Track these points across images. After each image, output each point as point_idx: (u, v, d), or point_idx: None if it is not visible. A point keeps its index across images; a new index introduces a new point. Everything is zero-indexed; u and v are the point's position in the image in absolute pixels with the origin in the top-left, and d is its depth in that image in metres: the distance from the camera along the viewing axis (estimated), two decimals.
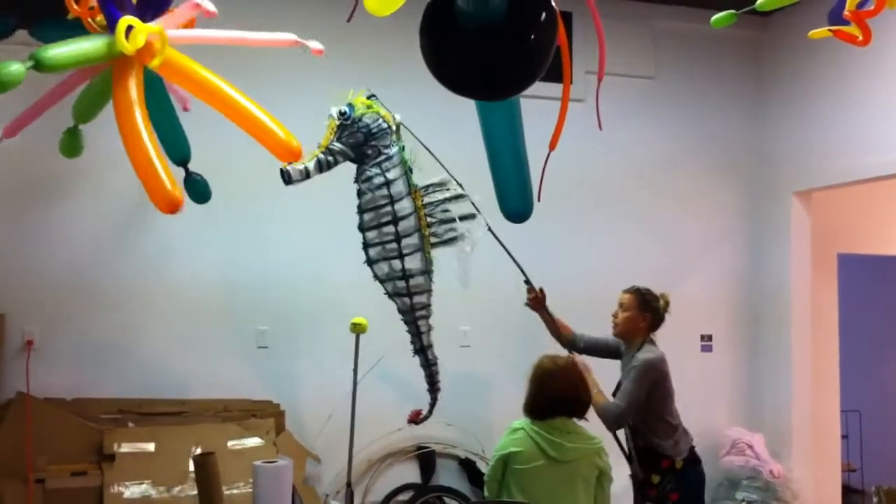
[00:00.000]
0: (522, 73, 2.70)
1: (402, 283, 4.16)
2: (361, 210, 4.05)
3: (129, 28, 3.35)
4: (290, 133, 3.46)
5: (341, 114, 3.87)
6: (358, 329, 4.24)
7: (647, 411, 4.05)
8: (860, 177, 5.43)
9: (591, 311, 5.56)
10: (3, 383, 4.74)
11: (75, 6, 3.61)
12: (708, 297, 6.04)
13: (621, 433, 4.23)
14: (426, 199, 4.17)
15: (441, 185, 4.19)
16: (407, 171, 4.10)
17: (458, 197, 4.20)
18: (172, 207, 3.34)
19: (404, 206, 4.06)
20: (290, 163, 3.54)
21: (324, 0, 5.08)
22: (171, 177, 3.31)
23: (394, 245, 4.07)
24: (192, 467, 4.39)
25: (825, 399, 6.14)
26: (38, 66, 3.43)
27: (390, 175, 4.01)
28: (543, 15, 2.64)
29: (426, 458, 5.38)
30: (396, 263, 4.11)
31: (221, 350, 5.14)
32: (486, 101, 3.40)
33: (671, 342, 4.37)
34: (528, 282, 4.44)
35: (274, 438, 4.88)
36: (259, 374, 5.17)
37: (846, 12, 2.74)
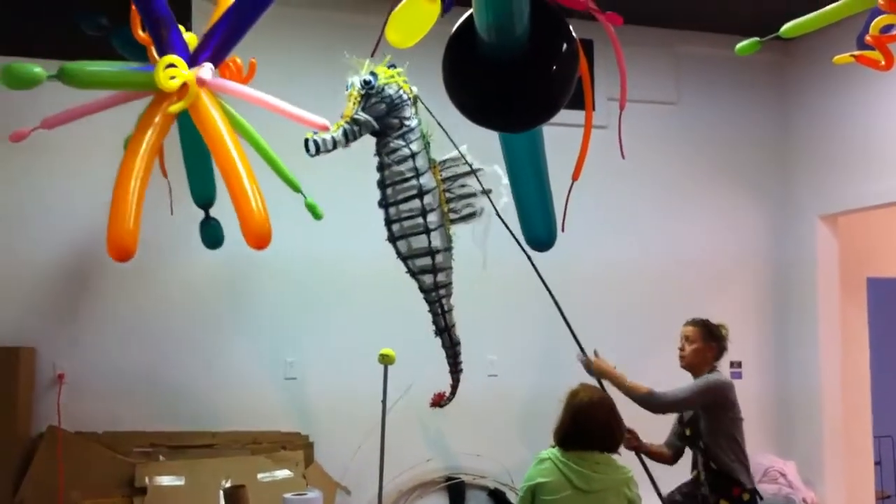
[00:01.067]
0: (545, 105, 2.72)
1: (427, 260, 4.02)
2: (385, 184, 3.90)
3: (171, 66, 3.46)
4: (265, 218, 3.48)
5: (366, 83, 3.72)
6: (386, 360, 4.24)
7: (720, 432, 4.04)
8: (887, 200, 5.39)
9: (619, 336, 5.59)
10: (34, 417, 4.78)
11: (141, 33, 3.73)
12: (736, 323, 5.97)
13: (659, 467, 4.23)
14: (444, 175, 4.05)
15: (457, 160, 4.07)
16: (427, 145, 3.99)
17: (475, 171, 4.06)
18: (122, 256, 3.40)
19: (428, 179, 3.94)
20: (315, 132, 3.50)
21: (343, 29, 5.19)
22: (136, 224, 3.39)
23: (420, 220, 3.93)
24: (222, 500, 4.41)
25: (857, 425, 6.07)
26: (63, 77, 3.53)
27: (414, 147, 3.88)
28: (565, 46, 2.66)
29: (456, 489, 5.36)
30: (423, 239, 3.96)
31: (250, 382, 5.16)
32: (509, 132, 3.42)
33: None
34: (583, 352, 4.35)
35: (303, 470, 4.89)
36: (287, 406, 5.18)
37: (868, 37, 2.75)
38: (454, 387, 4.50)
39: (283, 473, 4.83)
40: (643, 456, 4.30)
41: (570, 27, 2.75)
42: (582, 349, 4.22)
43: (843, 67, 3.18)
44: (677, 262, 5.97)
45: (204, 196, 4.51)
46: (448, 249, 4.11)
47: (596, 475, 3.34)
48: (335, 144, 3.61)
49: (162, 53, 3.63)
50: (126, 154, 3.58)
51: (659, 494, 4.20)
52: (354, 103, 3.73)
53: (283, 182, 4.28)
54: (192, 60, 3.75)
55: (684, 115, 6.12)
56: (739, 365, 6.00)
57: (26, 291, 4.92)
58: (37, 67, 3.54)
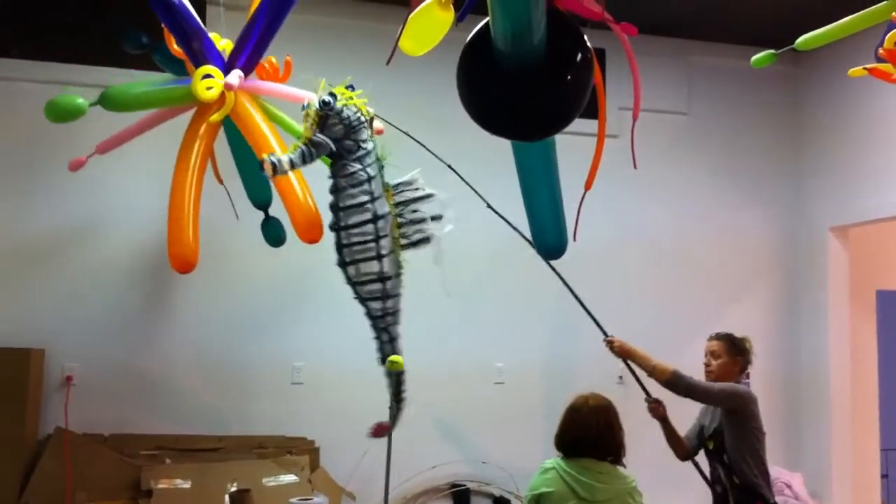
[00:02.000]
0: (559, 114, 2.72)
1: (377, 286, 3.87)
2: (338, 208, 3.75)
3: (207, 76, 3.50)
4: (314, 210, 3.78)
5: (325, 104, 3.59)
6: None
7: (744, 446, 4.02)
8: None
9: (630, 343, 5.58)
10: (42, 419, 4.79)
11: (175, 46, 3.77)
12: (745, 334, 5.98)
13: (704, 465, 4.21)
14: (397, 199, 3.91)
15: (411, 184, 3.94)
16: (381, 169, 3.87)
17: (427, 196, 3.93)
18: (184, 266, 3.45)
19: (382, 204, 3.81)
20: (270, 153, 3.40)
21: (362, 36, 5.21)
22: (195, 233, 3.42)
23: (372, 245, 3.78)
24: None
25: (865, 437, 6.05)
26: (106, 104, 3.57)
27: (370, 171, 3.76)
28: (580, 56, 2.66)
29: (461, 496, 5.36)
30: (374, 265, 3.81)
31: (257, 387, 5.17)
32: (523, 141, 3.42)
33: None
34: (606, 336, 4.32)
35: (309, 475, 4.89)
36: (294, 411, 5.18)
37: (881, 50, 2.75)
38: (396, 417, 4.29)
39: (289, 478, 4.82)
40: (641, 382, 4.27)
41: (585, 37, 2.75)
42: (603, 331, 4.21)
43: (855, 79, 3.18)
44: (688, 271, 5.96)
45: (260, 196, 4.58)
46: (398, 276, 3.97)
47: (600, 485, 3.33)
48: (292, 165, 3.49)
49: (197, 65, 3.69)
50: (177, 168, 3.64)
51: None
52: (312, 124, 3.62)
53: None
54: (229, 67, 3.79)
55: (696, 126, 6.12)
56: (748, 376, 5.97)
57: (36, 293, 4.93)
58: (79, 99, 3.60)
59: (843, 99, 5.81)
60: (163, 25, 3.79)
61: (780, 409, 6.03)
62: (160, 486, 4.61)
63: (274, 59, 4.18)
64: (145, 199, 4.96)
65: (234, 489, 4.53)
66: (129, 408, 4.96)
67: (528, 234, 4.27)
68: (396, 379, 4.13)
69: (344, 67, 5.34)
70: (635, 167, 3.71)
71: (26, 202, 4.98)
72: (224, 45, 4.00)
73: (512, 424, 5.50)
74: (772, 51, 3.16)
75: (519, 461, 5.29)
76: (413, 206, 3.92)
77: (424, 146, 4.16)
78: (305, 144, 3.54)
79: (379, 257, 3.80)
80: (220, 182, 4.64)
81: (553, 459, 3.46)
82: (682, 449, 4.25)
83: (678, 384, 3.97)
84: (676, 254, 5.96)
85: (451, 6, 2.58)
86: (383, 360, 4.10)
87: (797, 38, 3.10)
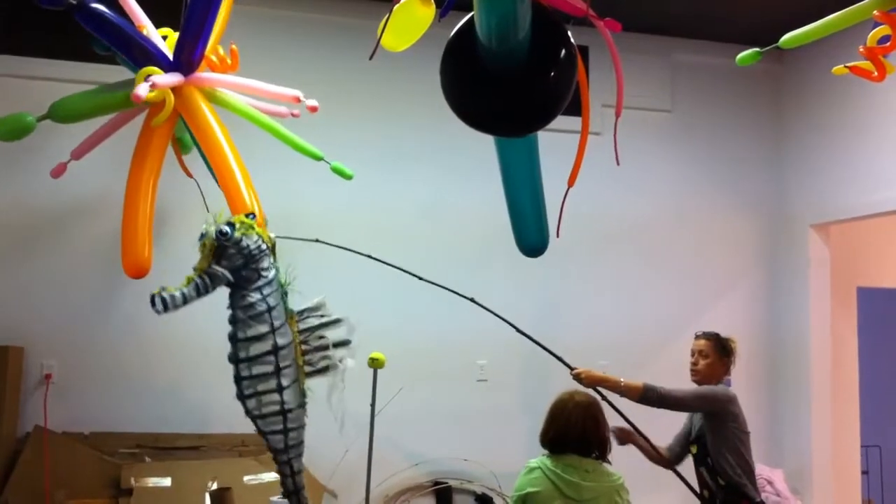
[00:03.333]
0: (542, 111, 2.71)
1: (278, 419, 3.68)
2: (236, 339, 3.60)
3: (149, 77, 3.46)
4: (257, 202, 3.70)
5: (222, 234, 3.42)
6: (376, 364, 4.22)
7: (725, 447, 4.02)
8: (879, 210, 5.40)
9: (609, 344, 5.60)
10: (21, 417, 4.76)
11: (117, 49, 3.74)
12: (726, 332, 6.00)
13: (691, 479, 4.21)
14: (301, 326, 3.77)
15: (316, 310, 3.82)
16: (284, 295, 3.73)
17: (334, 322, 3.82)
18: (137, 272, 3.42)
19: (283, 333, 3.66)
20: (162, 288, 3.29)
21: (342, 32, 5.19)
22: (149, 244, 3.40)
23: (273, 379, 3.62)
24: (208, 502, 4.39)
25: (845, 434, 6.08)
26: (52, 116, 3.54)
27: (271, 300, 3.59)
28: (564, 52, 2.65)
29: (443, 494, 5.35)
30: (273, 397, 3.65)
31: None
32: (506, 137, 3.40)
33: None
34: (571, 369, 4.20)
35: None
36: None
37: (861, 48, 2.76)
38: None
39: (270, 476, 4.80)
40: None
41: (569, 33, 2.74)
42: (568, 365, 4.18)
43: (838, 77, 3.19)
44: (670, 268, 5.97)
45: None
46: (301, 406, 3.80)
47: (586, 483, 3.33)
48: (185, 300, 3.36)
49: (138, 65, 3.63)
50: (131, 172, 3.60)
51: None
52: (209, 255, 3.46)
53: (303, 154, 4.30)
54: (176, 64, 3.75)
55: (679, 123, 6.13)
56: (729, 375, 6.01)
57: (14, 290, 4.89)
58: (28, 116, 3.56)
59: (825, 97, 5.83)
60: None
61: (761, 405, 6.04)
62: (140, 484, 4.58)
63: (221, 50, 4.11)
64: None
65: (214, 487, 4.50)
66: (109, 406, 4.92)
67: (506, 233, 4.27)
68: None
69: (322, 64, 5.40)
70: (618, 164, 3.71)
71: (3, 200, 4.95)
72: (168, 34, 3.96)
73: (494, 422, 5.50)
74: (757, 49, 3.16)
75: (502, 459, 5.29)
76: (319, 332, 3.79)
77: (342, 247, 4.26)
78: (200, 276, 3.41)
79: (280, 389, 3.64)
80: (189, 175, 4.58)
81: (538, 459, 3.46)
82: (664, 460, 4.27)
83: (651, 397, 3.98)
84: (658, 250, 5.97)
85: (433, 2, 2.57)
86: (286, 494, 3.91)
87: (780, 35, 3.10)
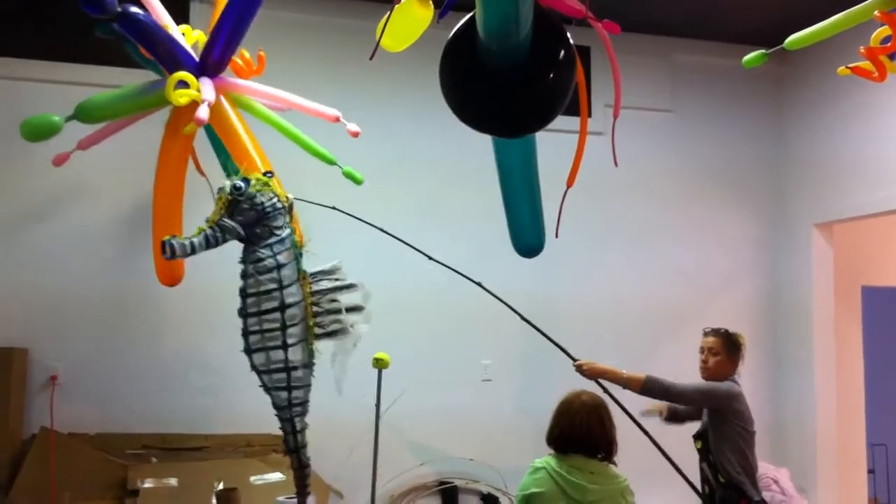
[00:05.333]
0: (541, 111, 2.72)
1: (282, 376, 3.76)
2: (245, 294, 3.66)
3: (182, 83, 3.48)
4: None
5: (235, 188, 3.50)
6: (380, 364, 4.23)
7: (727, 445, 4.02)
8: (882, 209, 5.40)
9: (612, 344, 5.60)
10: (27, 418, 4.77)
11: (146, 52, 3.75)
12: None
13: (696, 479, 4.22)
14: (314, 287, 3.83)
15: (330, 273, 3.87)
16: (297, 256, 3.77)
17: (348, 286, 3.88)
18: (170, 280, 3.44)
19: (292, 292, 3.70)
20: (173, 236, 3.32)
21: (344, 34, 5.21)
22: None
23: (278, 334, 3.69)
24: (214, 503, 4.40)
25: (851, 433, 6.08)
26: (81, 117, 3.56)
27: (281, 258, 3.65)
28: (563, 53, 2.66)
29: (448, 494, 5.36)
30: (278, 354, 3.71)
31: (244, 385, 5.14)
32: (506, 137, 3.42)
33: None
34: (574, 360, 4.20)
35: None
36: None
37: (862, 49, 2.76)
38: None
39: (276, 476, 4.82)
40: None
41: (569, 34, 2.75)
42: (570, 356, 4.20)
43: (839, 77, 3.19)
44: (671, 269, 5.98)
45: None
46: (308, 366, 3.86)
47: (590, 486, 3.32)
48: (194, 249, 3.38)
49: (169, 69, 3.67)
50: (157, 178, 3.62)
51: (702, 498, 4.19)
52: (222, 208, 3.52)
53: (317, 158, 4.33)
54: (202, 64, 3.78)
55: (680, 123, 6.13)
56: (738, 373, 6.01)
57: (20, 292, 4.91)
58: (55, 117, 3.57)
59: (827, 96, 5.82)
60: None
61: (766, 406, 6.04)
62: (146, 485, 4.60)
63: (247, 54, 4.17)
64: (129, 199, 4.96)
65: (220, 488, 4.52)
66: (115, 407, 4.93)
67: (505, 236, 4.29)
68: (301, 473, 4.02)
69: (321, 64, 5.41)
70: (616, 164, 3.72)
71: (6, 200, 4.97)
72: (197, 36, 3.99)
73: (499, 422, 5.51)
74: (763, 51, 3.16)
75: (507, 458, 5.29)
76: (331, 296, 3.85)
77: (357, 217, 4.19)
78: (212, 228, 3.46)
79: (284, 346, 3.71)
80: (203, 175, 4.60)
81: (543, 459, 3.45)
82: (664, 411, 4.29)
83: (654, 389, 3.98)
84: (660, 251, 5.97)
85: (431, 3, 2.58)
86: (286, 452, 4.02)
87: (780, 35, 3.10)
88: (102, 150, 4.31)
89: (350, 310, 3.88)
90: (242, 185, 3.50)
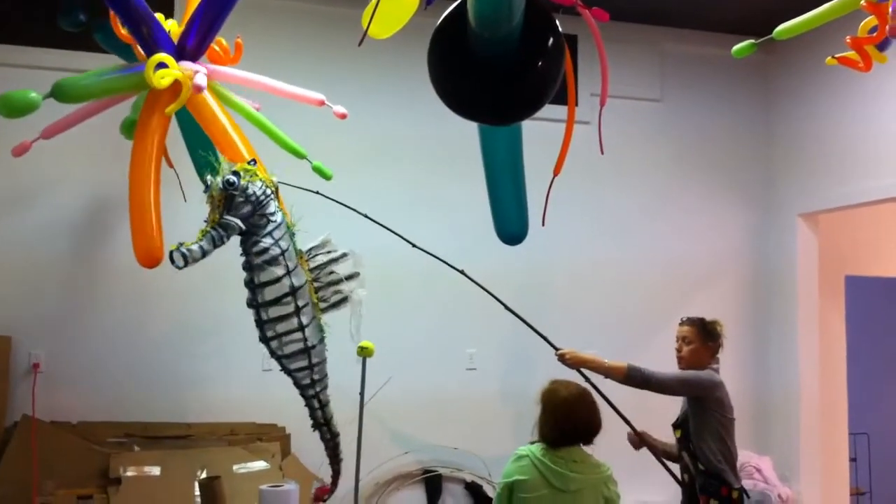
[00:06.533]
0: (530, 99, 2.71)
1: (303, 357, 3.85)
2: (254, 284, 3.67)
3: (161, 65, 3.45)
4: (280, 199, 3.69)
5: (229, 184, 3.46)
6: (365, 353, 4.22)
7: (707, 433, 4.02)
8: (867, 199, 5.42)
9: (599, 333, 5.61)
10: (9, 406, 4.73)
11: (123, 31, 3.70)
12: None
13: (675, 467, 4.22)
14: (311, 264, 3.89)
15: (322, 247, 3.92)
16: (292, 237, 3.80)
17: (341, 256, 3.93)
18: (149, 261, 3.41)
19: (298, 273, 3.74)
20: (180, 244, 3.30)
21: (331, 21, 5.17)
22: (159, 226, 3.38)
23: (294, 320, 3.74)
24: (197, 491, 4.38)
25: (833, 422, 6.11)
26: (58, 96, 3.52)
27: (283, 244, 3.67)
28: (552, 41, 2.64)
29: (432, 482, 5.36)
30: (297, 337, 3.78)
31: (227, 373, 5.13)
32: (493, 125, 3.41)
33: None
34: (556, 350, 4.20)
35: (280, 462, 4.87)
36: (264, 398, 5.14)
37: (847, 39, 2.76)
38: (336, 478, 4.36)
39: (260, 465, 4.80)
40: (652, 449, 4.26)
41: (558, 23, 2.74)
42: (553, 345, 4.19)
43: (827, 67, 3.19)
44: (657, 258, 5.98)
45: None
46: (321, 341, 3.94)
47: (573, 475, 3.33)
48: (203, 253, 3.38)
49: (148, 51, 3.63)
50: (133, 160, 3.59)
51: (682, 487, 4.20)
52: (218, 206, 3.49)
53: (287, 151, 4.30)
54: (179, 51, 3.75)
55: (668, 113, 6.13)
56: (717, 361, 6.01)
57: (3, 281, 4.86)
58: (32, 93, 3.53)
59: (814, 86, 5.83)
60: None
61: (749, 393, 6.06)
62: (129, 473, 4.57)
63: (224, 41, 4.12)
64: (109, 186, 4.90)
65: (203, 476, 4.50)
66: (98, 395, 4.91)
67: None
68: (333, 443, 4.18)
69: (303, 51, 5.37)
70: (602, 153, 3.71)
71: None
72: (170, 26, 3.94)
73: (484, 410, 5.51)
74: (752, 41, 3.15)
75: (491, 447, 5.30)
76: (328, 269, 3.91)
77: (341, 203, 4.15)
78: (214, 228, 3.45)
79: (302, 328, 3.77)
80: (171, 166, 4.55)
81: (526, 447, 3.46)
82: (673, 455, 4.28)
83: (634, 377, 3.98)
84: (645, 239, 5.98)
85: None
86: (316, 426, 4.15)
87: (768, 25, 3.10)
88: (75, 134, 4.24)
89: (348, 278, 3.95)
90: (234, 179, 3.47)
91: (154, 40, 3.65)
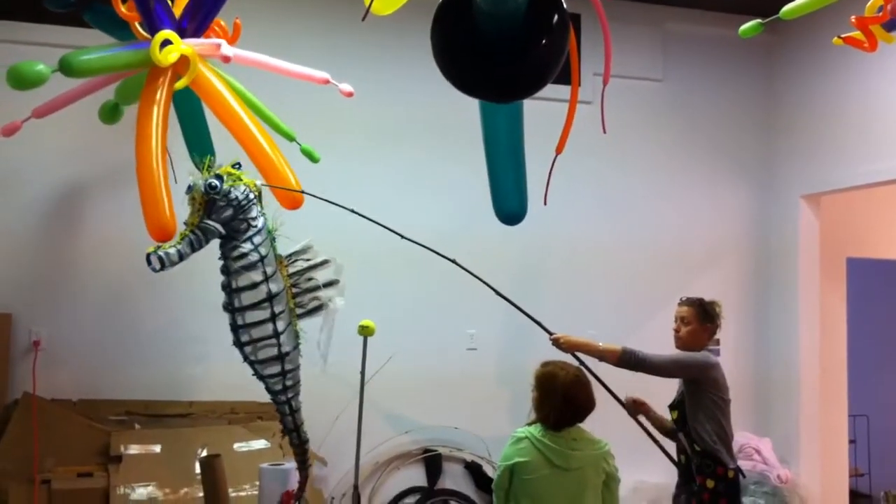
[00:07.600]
0: (533, 77, 2.69)
1: (276, 363, 3.85)
2: (231, 289, 3.66)
3: (166, 42, 3.43)
4: (293, 175, 3.70)
5: (211, 188, 3.45)
6: (366, 332, 4.22)
7: (702, 414, 4.02)
8: (869, 181, 5.40)
9: (600, 312, 5.60)
10: (9, 384, 4.74)
11: (122, 8, 3.68)
12: (716, 300, 6.03)
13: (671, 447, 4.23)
14: (290, 269, 3.88)
15: (303, 253, 3.92)
16: (272, 241, 3.79)
17: (321, 263, 3.94)
18: (162, 235, 3.40)
19: (276, 279, 3.73)
20: (158, 246, 3.30)
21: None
22: (170, 200, 3.36)
23: (269, 325, 3.73)
24: (198, 469, 4.40)
25: (833, 403, 6.11)
26: (65, 70, 3.50)
27: (263, 250, 3.65)
28: (556, 19, 2.62)
29: (432, 462, 5.37)
30: (272, 343, 3.77)
31: (228, 352, 5.12)
32: (497, 102, 3.39)
33: None
34: (550, 334, 4.15)
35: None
36: None
37: (852, 19, 2.75)
38: (303, 483, 4.31)
39: (260, 444, 4.82)
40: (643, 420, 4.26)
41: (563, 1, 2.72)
42: (547, 330, 4.18)
43: (830, 48, 3.18)
44: (659, 238, 5.97)
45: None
46: (296, 348, 3.93)
47: (574, 452, 3.34)
48: (181, 257, 3.37)
49: (151, 29, 3.61)
50: (139, 135, 3.57)
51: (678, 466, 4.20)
52: (199, 209, 3.48)
53: (277, 132, 4.29)
54: (179, 31, 3.73)
55: (671, 92, 6.10)
56: (718, 342, 6.02)
57: (3, 258, 4.86)
58: (40, 65, 3.51)
59: (817, 67, 5.80)
60: None
61: (750, 375, 6.07)
62: (130, 451, 4.60)
63: (223, 22, 4.10)
64: (111, 162, 4.89)
65: (204, 454, 4.51)
66: (98, 373, 4.91)
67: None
68: (302, 449, 4.16)
69: (306, 32, 5.34)
70: (604, 132, 3.69)
71: None
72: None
73: (484, 390, 5.52)
74: (759, 20, 3.12)
75: (490, 427, 5.32)
76: (308, 275, 3.90)
77: (329, 201, 4.07)
78: (193, 232, 3.44)
79: (276, 335, 3.75)
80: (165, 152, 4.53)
81: (524, 429, 3.46)
82: (669, 430, 4.27)
83: (629, 360, 3.97)
84: (647, 219, 5.97)
85: None
86: (286, 432, 4.15)
87: (771, 4, 3.07)
88: (80, 109, 4.21)
89: (326, 285, 3.93)
90: (217, 183, 3.45)
91: (159, 17, 3.63)
